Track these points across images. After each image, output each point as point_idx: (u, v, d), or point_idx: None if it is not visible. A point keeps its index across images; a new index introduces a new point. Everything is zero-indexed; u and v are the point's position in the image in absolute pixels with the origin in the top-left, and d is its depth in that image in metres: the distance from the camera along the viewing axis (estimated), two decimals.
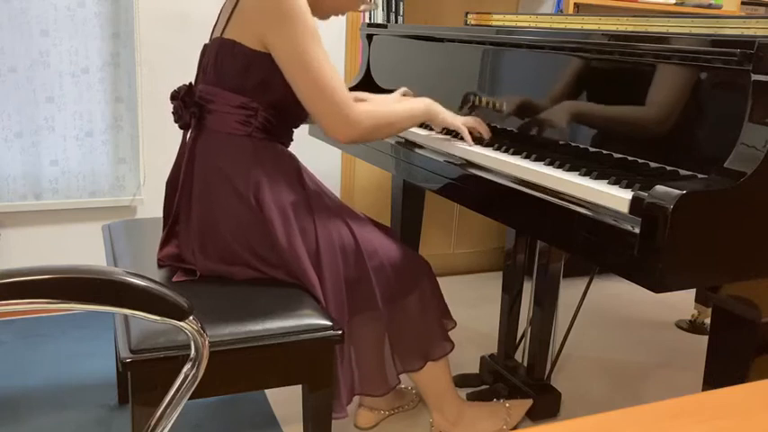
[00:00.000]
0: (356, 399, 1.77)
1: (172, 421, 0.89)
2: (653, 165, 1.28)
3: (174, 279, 1.46)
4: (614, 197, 1.16)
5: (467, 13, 2.21)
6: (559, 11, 3.07)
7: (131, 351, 1.21)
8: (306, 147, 1.85)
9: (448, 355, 1.69)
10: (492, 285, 2.95)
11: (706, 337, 1.34)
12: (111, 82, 2.44)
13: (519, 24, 1.94)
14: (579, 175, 1.30)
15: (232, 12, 1.44)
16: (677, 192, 1.03)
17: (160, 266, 1.52)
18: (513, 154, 1.49)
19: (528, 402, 1.90)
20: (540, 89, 1.56)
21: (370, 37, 2.22)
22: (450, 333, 1.69)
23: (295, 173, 1.53)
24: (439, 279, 1.68)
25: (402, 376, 1.63)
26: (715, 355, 1.26)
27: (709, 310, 2.04)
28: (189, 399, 0.91)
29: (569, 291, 2.25)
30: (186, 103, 1.48)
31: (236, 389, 1.37)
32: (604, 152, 1.38)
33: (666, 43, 1.27)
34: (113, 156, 2.50)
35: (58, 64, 2.35)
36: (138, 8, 2.39)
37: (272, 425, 1.87)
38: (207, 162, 1.48)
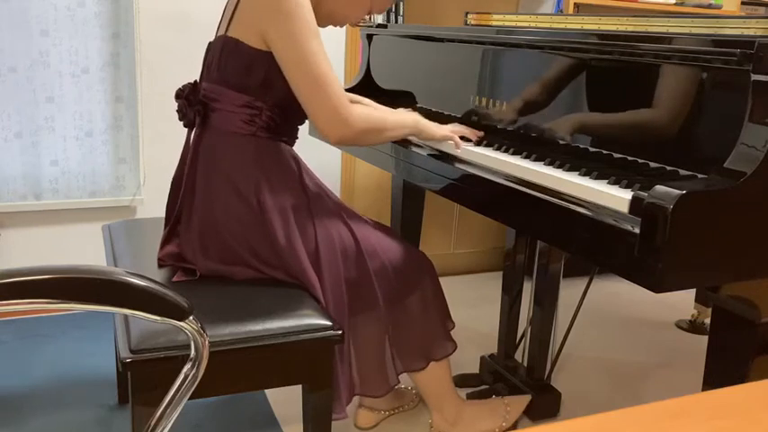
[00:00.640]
0: (356, 399, 1.77)
1: (172, 421, 0.89)
2: (653, 165, 1.28)
3: (174, 279, 1.46)
4: (614, 197, 1.16)
5: (467, 13, 2.21)
6: (559, 11, 3.07)
7: (131, 351, 1.21)
8: (306, 146, 1.85)
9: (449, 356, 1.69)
10: (492, 285, 2.95)
11: (706, 337, 1.34)
12: (111, 82, 2.44)
13: (519, 24, 1.94)
14: (579, 174, 1.30)
15: (235, 10, 1.45)
16: (677, 192, 1.03)
17: (160, 266, 1.52)
18: (513, 154, 1.49)
19: (526, 398, 1.90)
20: (540, 89, 1.56)
21: (370, 37, 2.22)
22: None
23: (297, 174, 1.53)
24: (439, 279, 1.68)
25: (402, 376, 1.63)
26: (715, 355, 1.26)
27: (709, 310, 2.04)
28: (189, 399, 0.91)
29: (569, 291, 2.25)
30: (191, 102, 1.49)
31: (236, 389, 1.37)
32: (604, 152, 1.38)
33: (666, 43, 1.27)
34: (113, 156, 2.50)
35: (57, 64, 2.35)
36: (138, 8, 2.39)
37: (272, 425, 1.87)
38: (209, 161, 1.48)
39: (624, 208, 1.13)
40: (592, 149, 1.41)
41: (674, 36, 1.28)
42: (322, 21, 1.57)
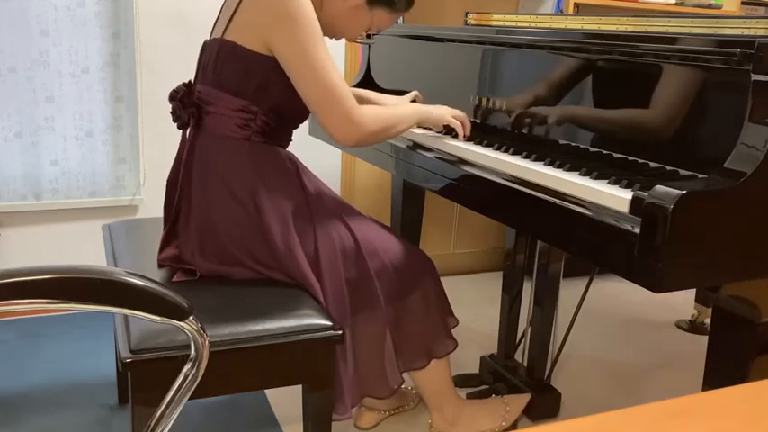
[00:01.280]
0: None
1: (172, 421, 0.89)
2: (653, 165, 1.28)
3: (174, 279, 1.46)
4: (614, 197, 1.16)
5: (467, 13, 2.21)
6: (559, 11, 3.07)
7: (131, 351, 1.21)
8: (306, 147, 1.85)
9: (448, 355, 1.69)
10: (492, 285, 2.95)
11: (706, 337, 1.34)
12: (111, 82, 2.44)
13: (519, 24, 1.93)
14: (579, 175, 1.29)
15: (234, 12, 1.44)
16: (677, 192, 1.03)
17: (160, 266, 1.52)
18: (513, 154, 1.49)
19: (526, 397, 1.90)
20: (540, 89, 1.56)
21: (369, 37, 2.22)
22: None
23: (294, 175, 1.52)
24: (440, 278, 1.68)
25: (402, 376, 1.63)
26: (715, 355, 1.26)
27: (709, 310, 2.04)
28: (189, 399, 0.92)
29: (569, 291, 2.25)
30: (184, 104, 1.48)
31: (236, 389, 1.37)
32: (604, 152, 1.38)
33: (666, 43, 1.27)
34: (113, 156, 2.50)
35: (57, 64, 2.35)
36: (138, 8, 2.39)
37: (272, 425, 1.87)
38: (205, 164, 1.47)
39: (624, 208, 1.13)
40: (592, 149, 1.41)
41: (674, 36, 1.28)
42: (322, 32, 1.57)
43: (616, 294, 2.94)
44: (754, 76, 1.10)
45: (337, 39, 1.63)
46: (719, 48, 1.16)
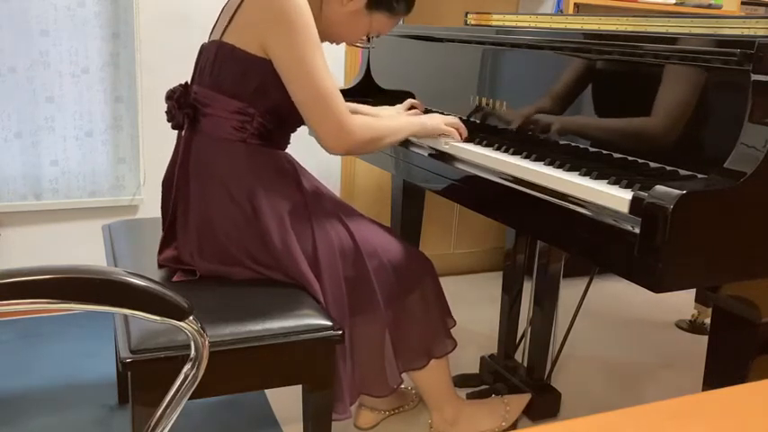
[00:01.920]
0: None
1: (172, 421, 0.89)
2: (653, 165, 1.28)
3: (174, 279, 1.46)
4: (614, 197, 1.16)
5: (467, 13, 2.21)
6: (559, 11, 3.07)
7: (131, 351, 1.21)
8: (305, 147, 1.85)
9: (448, 355, 1.69)
10: (492, 285, 2.94)
11: (706, 337, 1.34)
12: (111, 82, 2.44)
13: (519, 24, 1.94)
14: (579, 175, 1.29)
15: (233, 15, 1.43)
16: (677, 192, 1.03)
17: (160, 267, 1.52)
18: (513, 154, 1.49)
19: (526, 397, 1.90)
20: (540, 89, 1.56)
21: (369, 41, 2.21)
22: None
23: (292, 176, 1.52)
24: (439, 279, 1.68)
25: (402, 377, 1.63)
26: (715, 355, 1.26)
27: (709, 310, 2.04)
28: (189, 399, 0.92)
29: (569, 291, 2.25)
30: (180, 104, 1.47)
31: (236, 389, 1.37)
32: (604, 152, 1.38)
33: (666, 43, 1.27)
34: (113, 156, 2.50)
35: (57, 64, 2.35)
36: (138, 8, 2.39)
37: (272, 425, 1.87)
38: (202, 165, 1.47)
39: (624, 208, 1.13)
40: (592, 149, 1.41)
41: (674, 36, 1.28)
42: (319, 35, 1.57)
43: (616, 294, 2.94)
44: (754, 77, 1.10)
45: (337, 43, 1.63)
46: (719, 48, 1.16)
